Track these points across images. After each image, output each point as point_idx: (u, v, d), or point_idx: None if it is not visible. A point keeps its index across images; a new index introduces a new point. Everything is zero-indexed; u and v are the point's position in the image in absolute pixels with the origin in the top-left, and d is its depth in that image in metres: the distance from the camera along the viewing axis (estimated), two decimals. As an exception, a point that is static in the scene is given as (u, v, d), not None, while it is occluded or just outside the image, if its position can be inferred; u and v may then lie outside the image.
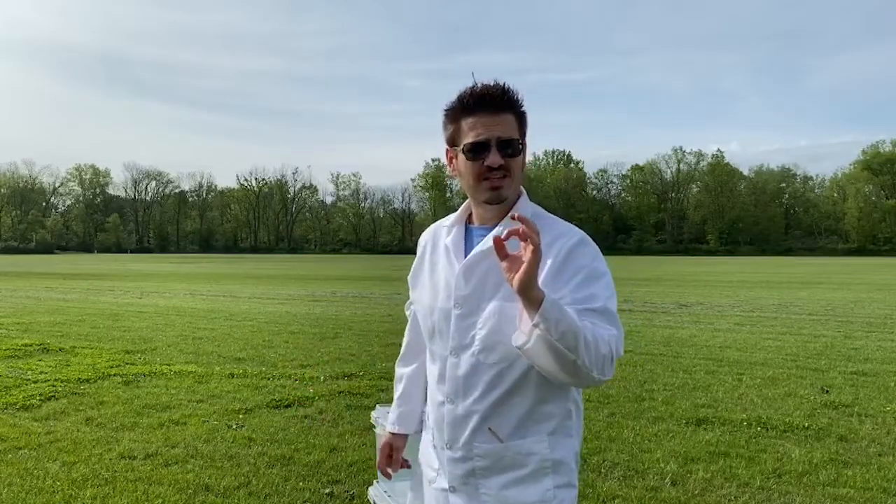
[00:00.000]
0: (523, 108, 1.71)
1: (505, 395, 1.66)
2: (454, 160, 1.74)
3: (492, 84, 1.67)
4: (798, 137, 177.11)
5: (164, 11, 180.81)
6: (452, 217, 1.85)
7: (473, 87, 1.68)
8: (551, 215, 1.76)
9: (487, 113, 1.65)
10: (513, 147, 1.67)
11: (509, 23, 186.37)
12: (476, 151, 1.66)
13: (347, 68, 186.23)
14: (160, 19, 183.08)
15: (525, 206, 1.74)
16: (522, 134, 1.71)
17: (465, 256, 1.73)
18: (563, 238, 1.66)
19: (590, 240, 1.69)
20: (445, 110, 1.72)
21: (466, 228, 1.80)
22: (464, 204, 1.84)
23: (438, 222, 1.92)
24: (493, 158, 1.64)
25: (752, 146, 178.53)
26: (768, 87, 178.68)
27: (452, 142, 1.72)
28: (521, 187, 1.76)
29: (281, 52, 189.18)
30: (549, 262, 1.62)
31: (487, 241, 1.66)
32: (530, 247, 1.39)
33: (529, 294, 1.42)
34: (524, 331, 1.47)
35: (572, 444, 1.73)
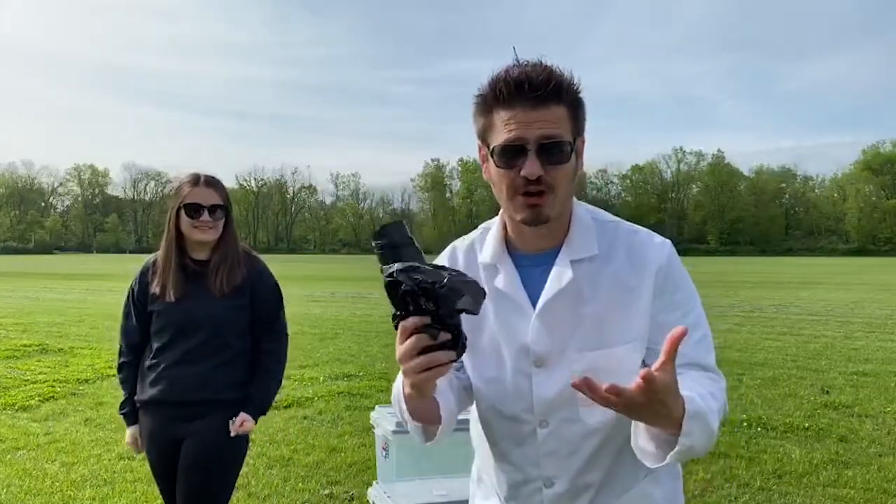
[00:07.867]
0: (580, 95, 1.27)
1: (615, 458, 1.34)
2: (486, 162, 1.31)
3: (535, 65, 1.23)
4: (781, 139, 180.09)
5: (157, 23, 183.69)
6: (487, 247, 1.38)
7: (509, 68, 1.24)
8: (622, 221, 1.38)
9: (527, 105, 1.21)
10: (559, 151, 1.23)
11: (493, 32, 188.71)
12: (508, 156, 1.23)
13: (338, 76, 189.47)
14: (154, 30, 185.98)
15: (583, 227, 1.34)
16: (577, 132, 1.27)
17: (529, 298, 1.33)
18: (652, 252, 1.31)
19: (673, 247, 1.35)
20: (475, 97, 1.29)
21: (511, 257, 1.37)
22: (496, 222, 1.40)
23: (458, 248, 1.44)
24: (531, 168, 1.21)
25: (744, 147, 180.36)
26: (746, 92, 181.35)
27: (483, 137, 1.30)
28: (574, 199, 1.35)
29: (270, 61, 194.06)
30: (643, 291, 1.29)
31: (562, 277, 1.30)
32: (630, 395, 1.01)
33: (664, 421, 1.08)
34: (649, 449, 1.15)
35: (677, 471, 1.48)
